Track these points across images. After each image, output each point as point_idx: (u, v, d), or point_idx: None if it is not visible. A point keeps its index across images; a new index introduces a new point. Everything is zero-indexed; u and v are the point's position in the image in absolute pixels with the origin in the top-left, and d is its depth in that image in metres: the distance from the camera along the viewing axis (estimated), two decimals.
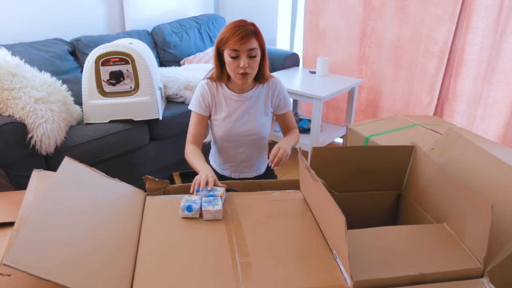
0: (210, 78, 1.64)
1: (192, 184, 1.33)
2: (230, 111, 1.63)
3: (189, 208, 1.19)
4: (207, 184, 1.32)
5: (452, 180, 1.12)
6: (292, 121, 1.75)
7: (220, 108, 1.64)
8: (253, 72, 1.55)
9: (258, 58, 1.54)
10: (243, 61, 1.50)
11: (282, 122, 1.74)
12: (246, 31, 1.49)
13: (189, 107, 1.65)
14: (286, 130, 1.76)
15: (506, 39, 2.50)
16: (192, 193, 1.30)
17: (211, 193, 1.28)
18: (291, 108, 1.72)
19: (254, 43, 1.51)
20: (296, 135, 1.72)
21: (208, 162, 1.82)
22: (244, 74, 1.53)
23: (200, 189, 1.30)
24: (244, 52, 1.50)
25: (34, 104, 1.96)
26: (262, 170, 1.78)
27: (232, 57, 1.51)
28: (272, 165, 1.52)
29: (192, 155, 1.55)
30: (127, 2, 3.07)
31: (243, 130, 1.65)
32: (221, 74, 1.60)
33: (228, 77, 1.60)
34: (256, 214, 1.22)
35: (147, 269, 1.00)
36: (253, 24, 1.54)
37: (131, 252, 1.05)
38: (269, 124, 1.71)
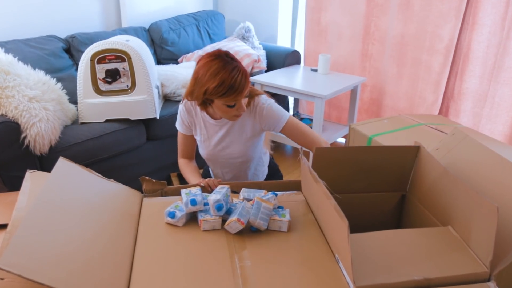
0: (189, 98, 1.51)
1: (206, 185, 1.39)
2: (209, 135, 1.59)
3: (171, 215, 1.17)
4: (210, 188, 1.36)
5: (458, 182, 1.12)
6: (303, 131, 1.56)
7: (200, 131, 1.60)
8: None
9: None
10: (242, 106, 1.43)
11: (289, 135, 1.58)
12: (243, 79, 1.38)
13: (176, 126, 1.67)
14: (304, 145, 1.57)
15: None
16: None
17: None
18: (287, 119, 1.54)
19: (249, 85, 1.43)
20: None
21: (206, 169, 1.82)
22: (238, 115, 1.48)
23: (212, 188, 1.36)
24: (242, 98, 1.42)
25: (28, 103, 1.96)
26: (262, 178, 1.76)
27: (229, 106, 1.42)
28: None
29: (186, 171, 1.63)
30: None
31: (224, 153, 1.61)
32: (204, 108, 1.49)
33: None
34: None
35: (144, 272, 1.00)
36: (233, 57, 1.41)
37: (127, 255, 1.05)
38: (260, 143, 1.64)
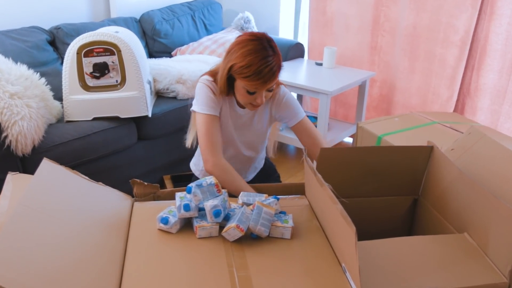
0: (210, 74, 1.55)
1: None
2: (230, 122, 1.59)
3: (164, 220, 1.16)
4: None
5: (474, 185, 1.12)
6: (314, 135, 1.61)
7: (225, 117, 1.58)
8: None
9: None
10: (260, 98, 1.46)
11: (299, 133, 1.62)
12: (272, 71, 1.39)
13: (196, 109, 1.52)
14: (311, 149, 1.59)
15: None
16: None
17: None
18: (303, 116, 1.60)
19: (276, 79, 1.45)
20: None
21: (191, 170, 1.79)
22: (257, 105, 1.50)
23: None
24: (264, 89, 1.45)
25: (9, 100, 1.96)
26: (250, 177, 1.77)
27: (248, 92, 1.45)
28: None
29: (236, 178, 1.45)
30: None
31: (239, 143, 1.63)
32: (227, 91, 1.51)
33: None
34: None
35: (134, 283, 1.00)
36: (273, 46, 1.42)
37: (116, 264, 1.05)
38: (266, 136, 1.69)
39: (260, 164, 1.79)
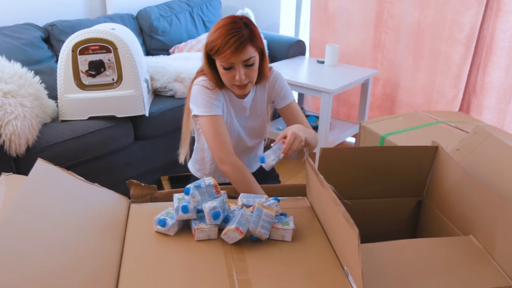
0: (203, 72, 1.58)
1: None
2: (233, 115, 1.61)
3: (161, 222, 1.16)
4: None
5: (480, 186, 1.12)
6: (301, 117, 1.66)
7: (226, 110, 1.60)
8: (253, 80, 1.52)
9: (256, 64, 1.50)
10: (238, 74, 1.46)
11: (287, 116, 1.67)
12: (240, 39, 1.42)
13: (199, 113, 1.51)
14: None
15: None
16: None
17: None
18: (293, 98, 1.68)
19: (250, 51, 1.45)
20: (312, 130, 1.63)
21: (189, 171, 1.79)
22: (242, 85, 1.51)
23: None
24: (239, 63, 1.46)
25: (2, 99, 1.96)
26: (255, 168, 1.79)
27: (225, 68, 1.47)
28: (282, 153, 1.41)
29: (251, 181, 1.45)
30: None
31: (244, 135, 1.65)
32: (218, 80, 1.53)
33: None
34: None
35: (131, 287, 1.00)
36: (247, 22, 1.47)
37: (112, 268, 1.05)
38: (268, 120, 1.73)
39: (261, 150, 1.80)
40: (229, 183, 1.73)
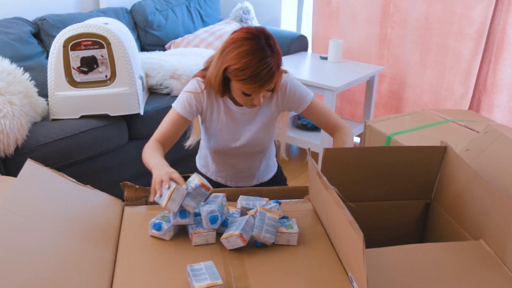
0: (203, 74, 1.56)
1: (152, 192, 1.23)
2: (228, 121, 1.60)
3: (156, 226, 1.16)
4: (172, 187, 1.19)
5: (491, 188, 1.12)
6: (327, 112, 1.64)
7: (217, 117, 1.60)
8: (267, 97, 1.53)
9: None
10: (258, 99, 1.46)
11: (312, 118, 1.66)
12: (270, 72, 1.38)
13: (173, 105, 1.57)
14: (327, 127, 1.65)
15: None
16: (154, 202, 1.21)
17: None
18: (312, 97, 1.62)
19: (276, 79, 1.44)
20: (346, 137, 1.61)
21: (194, 165, 1.82)
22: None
23: (158, 195, 1.17)
24: (260, 93, 1.45)
25: None
26: (266, 178, 1.78)
27: (245, 94, 1.45)
28: None
29: (150, 150, 1.47)
30: None
31: (243, 142, 1.63)
32: (222, 92, 1.52)
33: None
34: None
35: None
36: (270, 44, 1.41)
37: (106, 275, 1.05)
38: (274, 129, 1.70)
39: (273, 161, 1.80)
40: (229, 186, 1.73)
